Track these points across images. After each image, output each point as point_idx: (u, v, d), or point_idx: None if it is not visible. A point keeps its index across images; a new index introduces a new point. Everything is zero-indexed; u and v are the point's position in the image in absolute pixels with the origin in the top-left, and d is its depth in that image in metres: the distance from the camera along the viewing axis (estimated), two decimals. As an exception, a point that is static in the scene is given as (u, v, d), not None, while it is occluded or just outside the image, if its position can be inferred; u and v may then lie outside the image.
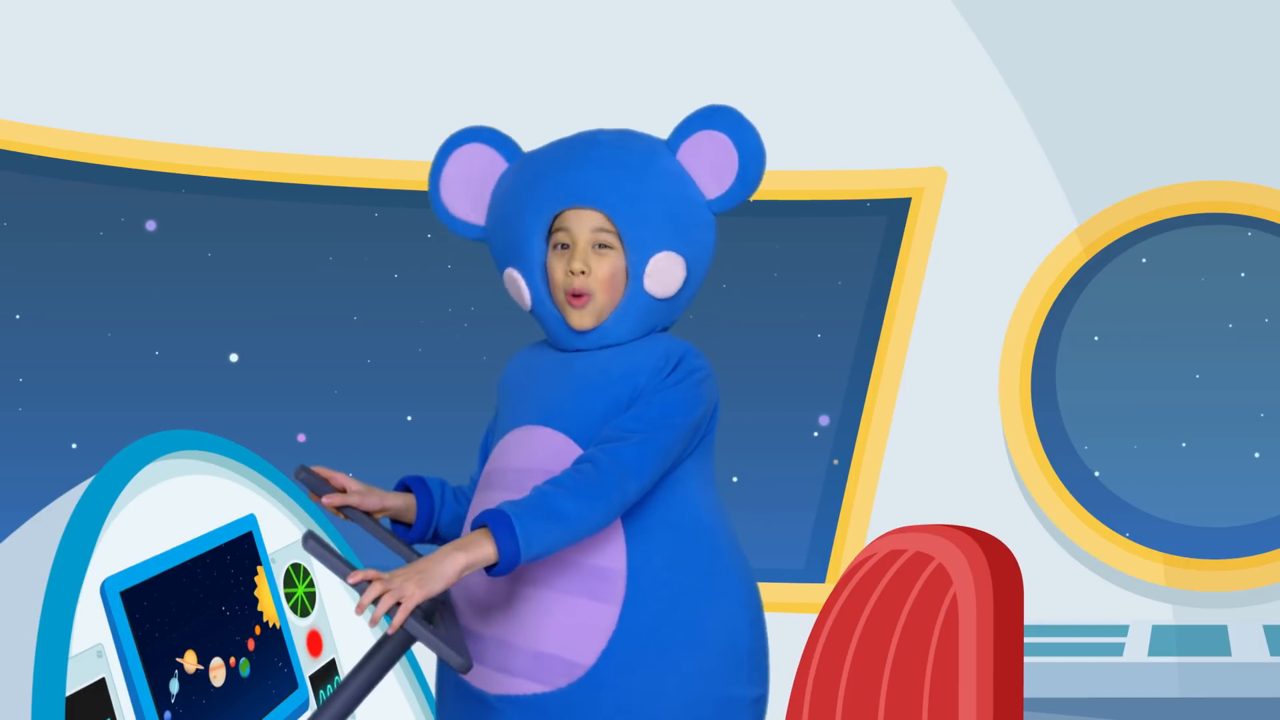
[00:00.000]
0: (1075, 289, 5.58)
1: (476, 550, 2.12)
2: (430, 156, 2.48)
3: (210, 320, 5.60)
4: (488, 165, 2.43)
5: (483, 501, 2.36)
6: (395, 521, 2.45)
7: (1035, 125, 5.57)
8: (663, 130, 2.47)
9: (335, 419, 5.55)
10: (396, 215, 5.56)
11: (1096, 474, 5.57)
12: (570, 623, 2.27)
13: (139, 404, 5.48)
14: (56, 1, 5.46)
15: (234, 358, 5.61)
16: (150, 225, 5.55)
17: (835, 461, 5.59)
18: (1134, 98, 5.52)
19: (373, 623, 2.14)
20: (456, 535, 2.46)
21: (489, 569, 2.15)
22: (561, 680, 2.27)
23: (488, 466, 2.41)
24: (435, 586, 2.10)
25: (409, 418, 5.53)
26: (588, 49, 5.54)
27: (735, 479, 5.28)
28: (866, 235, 5.63)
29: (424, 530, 2.45)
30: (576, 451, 2.29)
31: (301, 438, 5.57)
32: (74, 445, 5.34)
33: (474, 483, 2.50)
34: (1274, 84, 5.49)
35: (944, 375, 5.57)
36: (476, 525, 2.16)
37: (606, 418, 2.29)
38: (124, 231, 5.57)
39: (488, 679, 2.33)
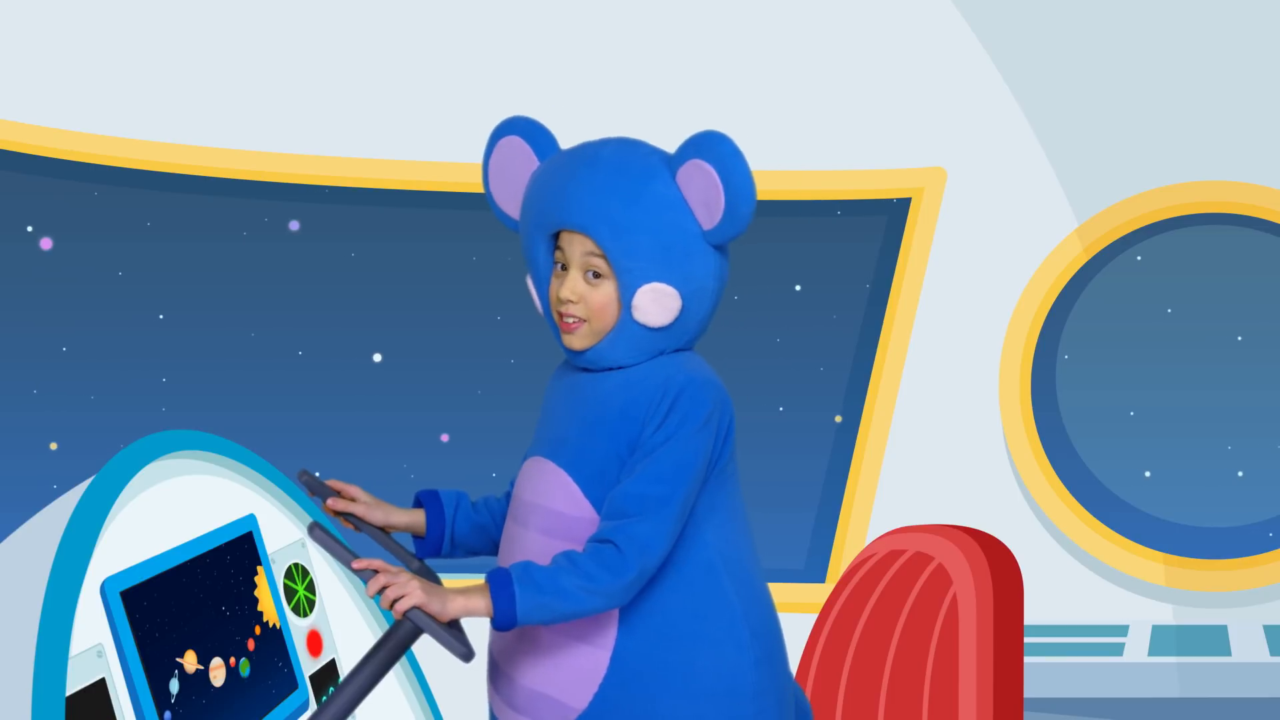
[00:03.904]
0: (1075, 289, 5.58)
1: (474, 602, 2.17)
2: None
3: (354, 320, 5.58)
4: (522, 161, 2.38)
5: (505, 531, 2.39)
6: (413, 535, 2.48)
7: (1035, 125, 5.57)
8: (660, 132, 2.45)
9: (478, 419, 5.51)
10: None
11: (1098, 474, 5.57)
12: (563, 665, 2.28)
13: (282, 404, 5.49)
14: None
15: (377, 358, 5.59)
16: (294, 225, 5.54)
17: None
18: (1134, 98, 5.52)
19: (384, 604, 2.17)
20: (478, 544, 2.49)
21: (491, 620, 2.18)
22: None
23: (514, 491, 2.42)
24: (433, 608, 2.15)
25: None
26: (587, 49, 5.54)
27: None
28: (866, 235, 5.63)
29: (437, 543, 2.46)
30: (576, 491, 2.29)
31: (445, 438, 5.54)
32: None
33: (513, 483, 2.52)
34: (1274, 84, 5.49)
35: (944, 375, 5.57)
36: (487, 578, 2.19)
37: (607, 456, 2.27)
38: (267, 231, 5.56)
39: (501, 710, 2.37)
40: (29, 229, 5.46)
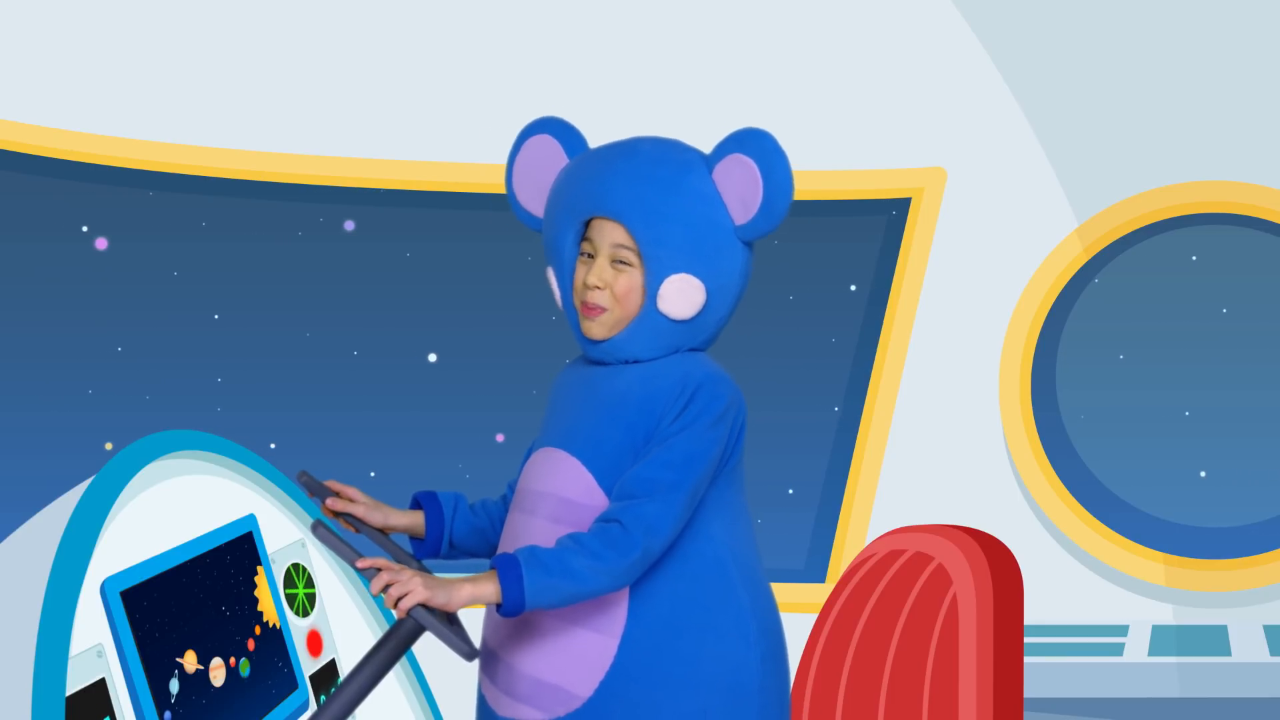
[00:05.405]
0: (1075, 289, 5.58)
1: (483, 588, 2.16)
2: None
3: (409, 320, 5.58)
4: (551, 159, 2.41)
5: (509, 522, 2.39)
6: (411, 536, 2.47)
7: (1035, 125, 5.57)
8: (657, 132, 2.46)
9: (534, 419, 5.48)
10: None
11: (1096, 474, 5.57)
12: (569, 653, 2.28)
13: (337, 404, 5.49)
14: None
15: (432, 358, 5.59)
16: (349, 225, 5.54)
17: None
18: (1134, 98, 5.52)
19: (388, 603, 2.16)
20: (475, 547, 2.49)
21: (497, 607, 2.18)
22: (560, 710, 2.28)
23: (519, 483, 2.43)
24: (438, 600, 2.15)
25: None
26: (588, 50, 5.54)
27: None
28: (866, 235, 5.63)
29: (436, 545, 2.46)
30: (589, 479, 2.30)
31: (500, 438, 5.51)
32: (272, 445, 5.23)
33: (511, 487, 2.52)
34: (1274, 84, 5.49)
35: (944, 375, 5.58)
36: (494, 564, 2.19)
37: (622, 446, 2.29)
38: (322, 231, 5.57)
39: (498, 700, 2.36)
40: (84, 229, 5.46)
